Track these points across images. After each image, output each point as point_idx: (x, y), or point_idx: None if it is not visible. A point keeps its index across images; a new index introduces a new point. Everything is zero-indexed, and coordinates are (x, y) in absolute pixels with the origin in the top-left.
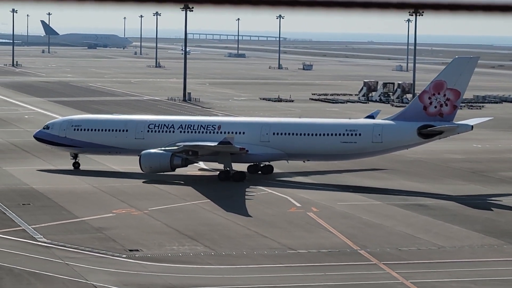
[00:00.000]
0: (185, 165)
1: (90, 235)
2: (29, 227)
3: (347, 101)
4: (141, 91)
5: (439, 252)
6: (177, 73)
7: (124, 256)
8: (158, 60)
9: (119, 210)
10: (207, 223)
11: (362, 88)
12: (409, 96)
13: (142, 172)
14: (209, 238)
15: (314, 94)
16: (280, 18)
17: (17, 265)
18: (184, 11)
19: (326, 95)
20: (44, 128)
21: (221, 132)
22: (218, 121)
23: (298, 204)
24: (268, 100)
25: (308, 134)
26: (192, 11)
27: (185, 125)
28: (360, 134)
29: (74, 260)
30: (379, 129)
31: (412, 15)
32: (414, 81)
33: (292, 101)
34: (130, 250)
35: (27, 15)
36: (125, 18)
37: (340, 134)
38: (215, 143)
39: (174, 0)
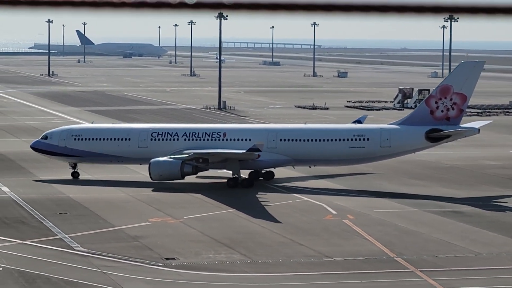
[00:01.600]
0: (195, 172)
1: (126, 243)
2: (66, 236)
3: (382, 108)
4: (176, 99)
5: (476, 259)
6: (212, 82)
7: (160, 264)
8: (193, 69)
9: (155, 219)
10: (243, 231)
11: (397, 95)
12: None
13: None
14: (245, 246)
15: (349, 101)
16: (314, 26)
17: (55, 274)
18: (218, 20)
19: (361, 102)
20: (42, 138)
21: (226, 140)
22: (223, 128)
23: (334, 212)
24: (303, 107)
25: (316, 140)
26: (226, 19)
27: (190, 133)
28: (368, 139)
29: (111, 269)
30: (387, 133)
31: (447, 21)
32: None
33: (327, 108)
34: (167, 259)
35: (63, 25)
36: (159, 27)
37: (348, 139)
38: (243, 151)
39: (209, 7)
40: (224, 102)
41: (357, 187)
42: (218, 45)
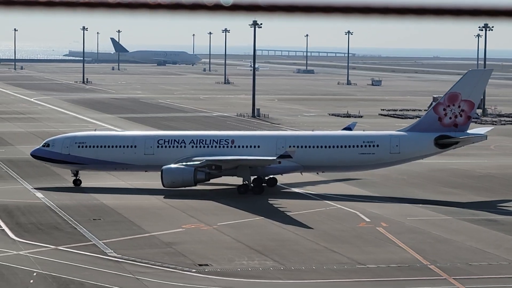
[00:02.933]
0: (208, 179)
1: (160, 250)
2: (100, 242)
3: (416, 117)
4: (210, 107)
5: (510, 267)
6: (246, 89)
7: (193, 270)
8: (227, 77)
9: (188, 225)
10: (276, 238)
11: (431, 104)
12: (478, 111)
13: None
14: (278, 253)
15: (383, 109)
16: (348, 34)
17: (88, 280)
18: (252, 28)
19: (395, 110)
20: (43, 146)
21: (234, 146)
22: (231, 135)
23: (367, 219)
24: (337, 115)
25: (326, 147)
26: (260, 27)
27: (197, 140)
28: (378, 146)
29: (144, 275)
30: (397, 140)
31: (482, 30)
32: (484, 96)
33: (361, 116)
34: (200, 265)
35: (97, 32)
36: (194, 35)
37: (358, 146)
38: (273, 157)
39: (245, 9)
40: (258, 109)
41: (390, 194)
42: (252, 53)
